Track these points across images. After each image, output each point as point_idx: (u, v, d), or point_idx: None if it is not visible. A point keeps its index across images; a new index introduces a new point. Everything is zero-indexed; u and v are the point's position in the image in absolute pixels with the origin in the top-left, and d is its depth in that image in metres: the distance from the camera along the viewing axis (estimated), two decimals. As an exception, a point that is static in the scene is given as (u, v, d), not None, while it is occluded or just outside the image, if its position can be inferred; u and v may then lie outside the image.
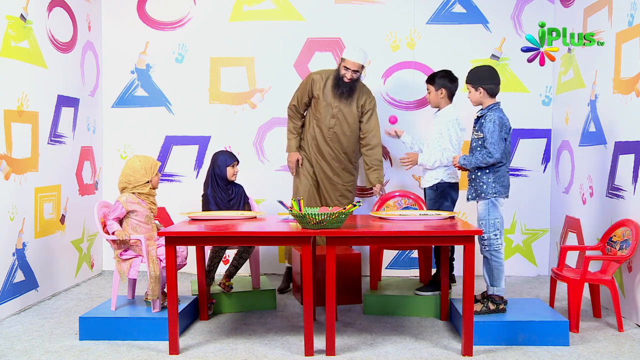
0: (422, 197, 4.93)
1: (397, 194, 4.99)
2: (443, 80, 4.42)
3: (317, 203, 4.94)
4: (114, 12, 5.73)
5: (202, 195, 4.42)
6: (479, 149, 3.79)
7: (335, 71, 4.78)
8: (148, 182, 4.03)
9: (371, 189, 4.95)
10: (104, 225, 4.02)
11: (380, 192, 4.93)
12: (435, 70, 4.62)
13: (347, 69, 4.67)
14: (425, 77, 4.61)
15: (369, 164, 4.92)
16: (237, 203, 4.45)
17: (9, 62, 4.19)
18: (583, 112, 4.86)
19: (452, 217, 3.91)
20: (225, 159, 4.43)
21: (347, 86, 4.74)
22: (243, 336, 3.79)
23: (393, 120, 4.75)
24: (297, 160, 4.94)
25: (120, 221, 3.99)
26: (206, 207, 4.35)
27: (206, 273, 4.24)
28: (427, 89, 4.50)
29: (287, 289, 4.96)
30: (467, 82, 3.88)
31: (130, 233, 3.94)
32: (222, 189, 4.38)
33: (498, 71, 3.91)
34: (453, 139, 4.31)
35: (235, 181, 4.50)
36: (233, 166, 4.43)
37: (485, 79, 3.80)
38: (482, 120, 3.78)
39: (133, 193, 4.00)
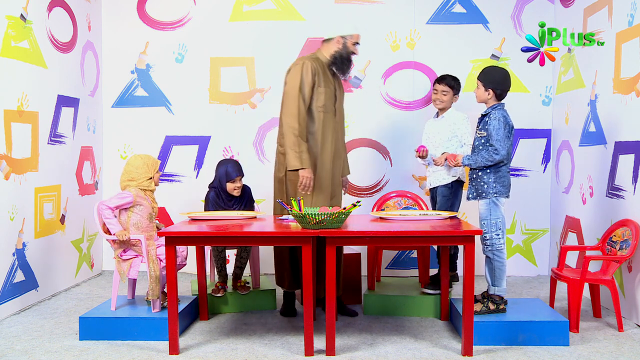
0: (422, 197, 4.93)
1: (397, 194, 4.99)
2: (459, 87, 4.52)
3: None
4: (114, 12, 5.73)
5: (206, 195, 4.40)
6: (480, 147, 3.79)
7: (337, 52, 4.15)
8: (151, 178, 4.07)
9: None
10: (104, 224, 4.02)
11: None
12: (442, 72, 4.53)
13: (357, 43, 4.21)
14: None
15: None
16: (240, 204, 4.43)
17: (9, 62, 4.19)
18: (583, 112, 4.86)
19: (452, 217, 3.91)
20: (227, 173, 4.29)
21: (351, 62, 4.27)
22: (243, 336, 3.79)
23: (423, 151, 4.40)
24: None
25: (118, 216, 3.99)
26: (207, 207, 4.35)
27: (218, 273, 4.37)
28: (444, 91, 4.45)
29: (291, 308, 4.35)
30: (479, 79, 3.85)
31: (130, 231, 3.94)
32: (225, 197, 4.36)
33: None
34: (472, 135, 4.29)
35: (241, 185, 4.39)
36: (234, 181, 4.30)
37: (499, 83, 3.80)
38: (487, 119, 3.78)
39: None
